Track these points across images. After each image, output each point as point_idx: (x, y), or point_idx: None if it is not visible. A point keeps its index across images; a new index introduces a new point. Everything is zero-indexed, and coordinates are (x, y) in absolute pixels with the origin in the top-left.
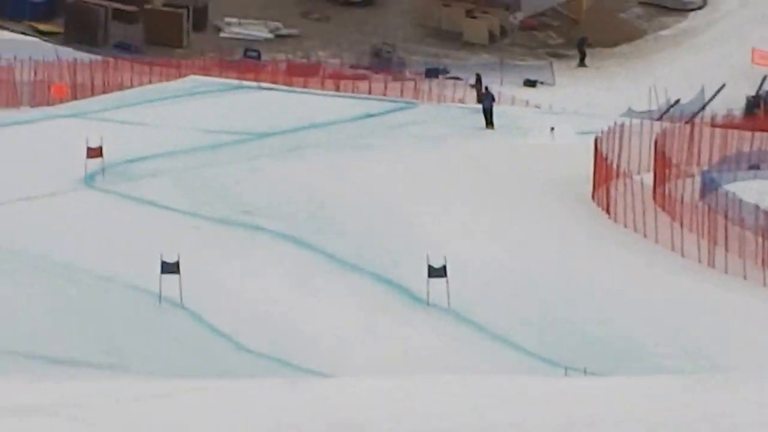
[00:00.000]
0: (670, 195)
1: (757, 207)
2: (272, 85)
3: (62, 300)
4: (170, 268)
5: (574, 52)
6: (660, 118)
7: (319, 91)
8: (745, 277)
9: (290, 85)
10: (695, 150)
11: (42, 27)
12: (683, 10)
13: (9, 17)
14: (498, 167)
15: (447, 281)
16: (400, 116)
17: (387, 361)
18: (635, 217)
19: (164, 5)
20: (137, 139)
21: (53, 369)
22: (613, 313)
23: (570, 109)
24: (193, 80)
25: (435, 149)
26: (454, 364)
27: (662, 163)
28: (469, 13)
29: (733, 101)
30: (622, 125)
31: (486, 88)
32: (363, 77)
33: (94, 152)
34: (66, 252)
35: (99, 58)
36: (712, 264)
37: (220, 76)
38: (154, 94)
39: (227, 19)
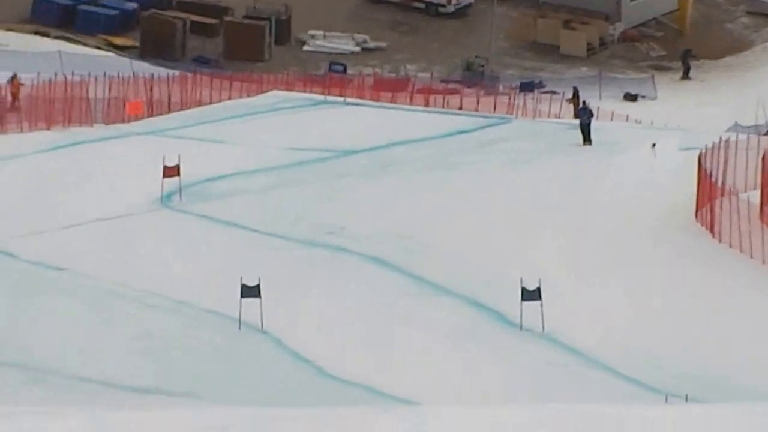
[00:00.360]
0: None
1: None
2: (358, 101)
3: (138, 326)
4: (251, 291)
5: (677, 64)
6: None
7: (407, 107)
8: None
9: (377, 100)
10: None
11: (116, 41)
12: None
13: (82, 31)
14: (596, 185)
15: (541, 304)
16: (493, 132)
17: (478, 388)
18: (741, 237)
19: (245, 17)
20: (216, 157)
21: (130, 398)
22: (715, 337)
23: (672, 125)
24: (275, 95)
25: (529, 167)
26: (549, 392)
27: None
28: (567, 25)
29: None
30: (728, 141)
31: (584, 103)
32: (454, 92)
33: (171, 171)
34: (142, 276)
35: (176, 72)
36: None
37: (303, 91)
38: (234, 110)
39: (311, 32)
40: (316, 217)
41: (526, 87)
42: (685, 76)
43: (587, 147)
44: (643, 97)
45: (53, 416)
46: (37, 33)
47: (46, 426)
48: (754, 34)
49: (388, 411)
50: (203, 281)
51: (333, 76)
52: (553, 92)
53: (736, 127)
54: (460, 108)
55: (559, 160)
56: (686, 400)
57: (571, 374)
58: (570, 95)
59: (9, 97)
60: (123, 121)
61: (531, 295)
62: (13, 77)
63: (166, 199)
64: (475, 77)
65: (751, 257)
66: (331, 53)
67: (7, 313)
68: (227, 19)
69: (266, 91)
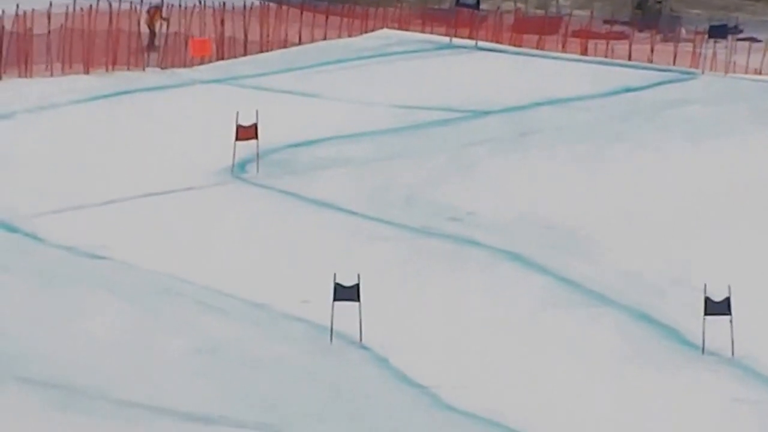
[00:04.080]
0: None
1: None
2: (494, 45)
3: (200, 335)
4: (347, 293)
5: None
6: None
7: (559, 54)
8: None
9: (519, 45)
10: None
11: None
12: None
13: None
14: None
15: (731, 321)
16: (672, 92)
17: (644, 427)
18: None
19: None
20: (306, 116)
21: (190, 428)
22: None
23: None
24: (386, 36)
25: (719, 141)
26: None
27: None
28: None
29: None
30: None
31: None
32: (621, 36)
33: (247, 133)
34: (207, 270)
35: (255, 2)
36: None
37: (422, 30)
38: (332, 54)
39: None
40: (435, 197)
41: (717, 32)
42: None
43: None
44: None
45: None
46: None
47: None
48: None
49: None
50: (285, 279)
51: (462, 12)
52: (754, 39)
53: None
54: (629, 58)
55: (759, 132)
56: None
57: (766, 414)
58: None
59: (147, 30)
60: (185, 65)
61: (718, 307)
62: (156, 7)
63: (238, 169)
64: (649, 17)
65: None
66: None
67: (31, 314)
68: None
69: (374, 30)
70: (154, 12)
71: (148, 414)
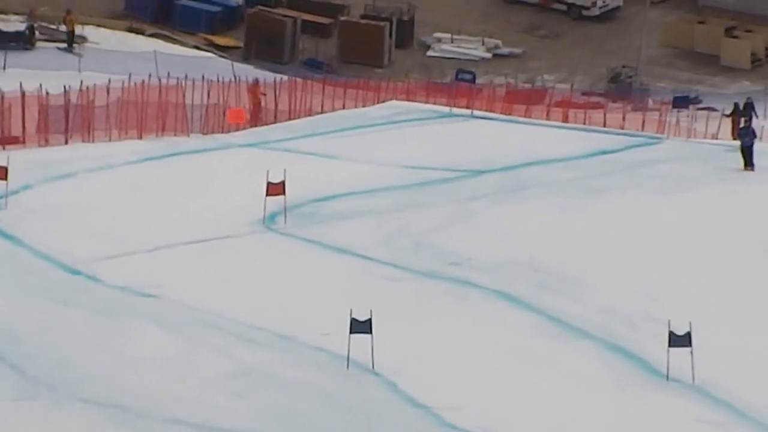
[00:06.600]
0: None
1: None
2: (488, 114)
3: (235, 361)
4: (361, 327)
5: None
6: None
7: (544, 122)
8: None
9: (509, 113)
10: None
11: (218, 40)
12: None
13: (180, 28)
14: (758, 218)
15: (691, 351)
16: (641, 153)
17: None
18: None
19: (362, 17)
20: (327, 174)
21: None
22: None
23: None
24: (395, 106)
25: (682, 195)
26: None
27: None
28: (729, 32)
29: None
30: None
31: (746, 121)
32: (597, 106)
33: (276, 189)
34: (240, 306)
35: (285, 77)
36: None
37: (426, 101)
38: (349, 121)
39: (437, 35)
40: (438, 245)
41: (681, 102)
42: None
43: (749, 172)
44: None
45: None
46: (130, 30)
47: None
48: None
49: None
50: (308, 314)
51: (460, 85)
52: (712, 109)
53: None
54: (604, 125)
55: (718, 186)
56: None
57: None
58: (729, 111)
59: (249, 105)
60: (223, 131)
61: (680, 340)
62: (256, 83)
63: (269, 220)
64: (621, 90)
65: None
66: (458, 59)
67: (90, 344)
68: (342, 18)
69: (385, 101)
70: (254, 87)
71: (189, 430)
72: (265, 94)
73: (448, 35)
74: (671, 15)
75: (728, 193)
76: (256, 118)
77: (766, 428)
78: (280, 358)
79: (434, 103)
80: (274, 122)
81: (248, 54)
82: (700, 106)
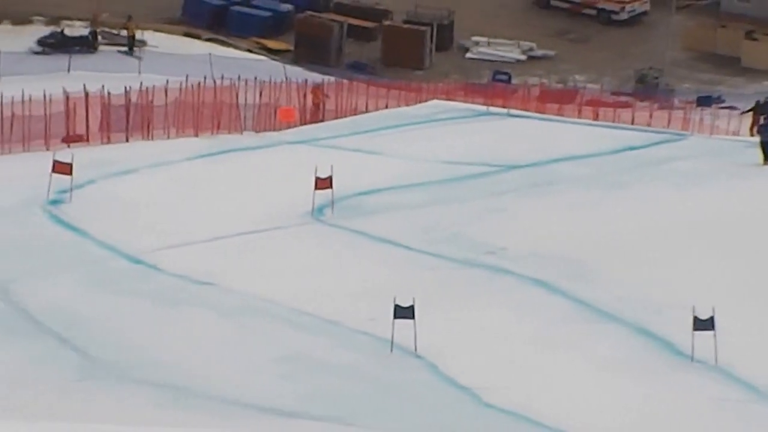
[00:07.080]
0: None
1: None
2: (523, 112)
3: (283, 345)
4: (404, 312)
5: None
6: None
7: (574, 120)
8: None
9: (543, 112)
10: None
11: (269, 44)
12: None
13: (234, 33)
14: None
15: (715, 335)
16: (666, 150)
17: (644, 422)
18: None
19: (405, 22)
20: (371, 169)
21: (273, 422)
22: None
23: None
24: (435, 105)
25: (703, 188)
26: (720, 431)
27: None
28: (749, 35)
29: None
30: None
31: (765, 118)
32: (625, 105)
33: (324, 183)
34: (289, 293)
35: (332, 79)
36: None
37: (464, 101)
38: (391, 120)
39: (474, 39)
40: (474, 235)
41: (704, 101)
42: None
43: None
44: None
45: None
46: (187, 35)
47: None
48: None
49: None
50: (354, 300)
51: (496, 86)
52: (733, 108)
53: None
54: (632, 123)
55: (737, 181)
56: None
57: (746, 412)
58: (749, 108)
59: (311, 105)
60: (274, 129)
61: (703, 324)
62: (318, 86)
63: (317, 212)
64: (648, 90)
65: None
66: (494, 61)
67: (147, 328)
68: (386, 23)
69: (425, 101)
70: (316, 89)
71: (240, 410)
72: (328, 96)
73: (485, 39)
74: (693, 19)
75: (748, 187)
76: (315, 118)
77: None
78: (327, 343)
79: (472, 103)
80: (322, 121)
81: (297, 57)
82: (722, 104)
